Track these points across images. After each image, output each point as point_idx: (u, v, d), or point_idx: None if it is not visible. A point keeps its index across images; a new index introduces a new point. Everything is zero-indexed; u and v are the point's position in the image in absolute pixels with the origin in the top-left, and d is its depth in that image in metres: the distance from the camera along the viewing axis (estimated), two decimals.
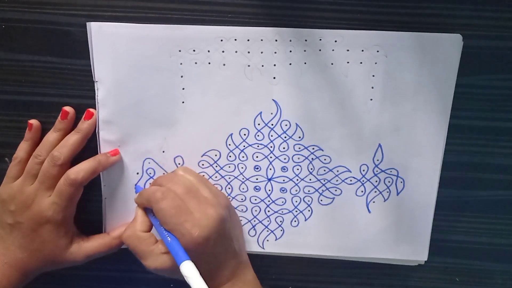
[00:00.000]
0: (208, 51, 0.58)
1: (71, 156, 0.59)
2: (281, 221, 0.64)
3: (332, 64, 0.58)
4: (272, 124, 0.61)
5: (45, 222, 0.58)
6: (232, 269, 0.57)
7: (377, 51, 0.58)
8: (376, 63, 0.58)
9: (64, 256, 0.60)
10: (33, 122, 0.61)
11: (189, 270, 0.49)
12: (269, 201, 0.63)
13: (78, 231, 0.62)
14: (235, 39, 0.58)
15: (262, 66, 0.59)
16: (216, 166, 0.62)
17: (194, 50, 0.58)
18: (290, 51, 0.58)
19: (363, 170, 0.62)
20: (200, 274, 0.50)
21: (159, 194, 0.55)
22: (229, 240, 0.57)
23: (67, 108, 0.60)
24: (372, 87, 0.59)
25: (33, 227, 0.58)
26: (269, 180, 0.63)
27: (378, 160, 0.61)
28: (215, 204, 0.56)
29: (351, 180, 0.62)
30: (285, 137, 0.61)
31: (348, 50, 0.58)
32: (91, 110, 0.60)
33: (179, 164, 0.62)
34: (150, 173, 0.62)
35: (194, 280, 0.49)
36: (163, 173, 0.62)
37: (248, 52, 0.58)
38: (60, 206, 0.58)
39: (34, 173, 0.59)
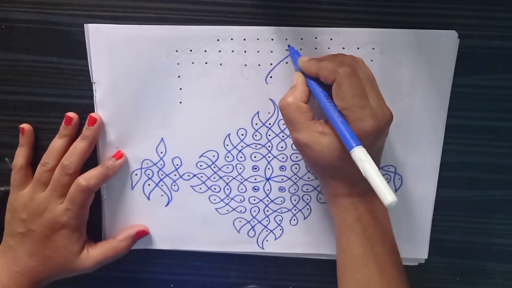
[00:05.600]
0: (205, 51, 0.59)
1: (81, 164, 0.60)
2: (280, 220, 0.64)
3: None
4: (269, 124, 0.61)
5: (59, 228, 0.58)
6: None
7: (373, 49, 0.58)
8: (372, 60, 0.58)
9: (75, 263, 0.60)
10: (25, 126, 0.61)
11: (364, 154, 0.47)
12: (268, 200, 0.63)
13: (87, 238, 0.62)
14: (232, 39, 0.58)
15: (259, 65, 0.59)
16: (214, 167, 0.62)
17: (191, 50, 0.59)
18: (287, 50, 0.59)
19: None
20: None
21: (348, 69, 0.50)
22: (381, 151, 0.55)
23: (70, 114, 0.60)
24: None
25: (46, 234, 0.58)
26: (268, 179, 0.63)
27: None
28: (387, 105, 0.52)
29: None
30: (283, 136, 0.61)
31: (343, 48, 0.58)
32: (94, 115, 0.60)
33: (177, 165, 0.62)
34: (148, 174, 0.62)
35: (370, 164, 0.46)
36: (162, 174, 0.62)
37: (245, 52, 0.59)
38: (74, 212, 0.58)
39: (44, 181, 0.59)
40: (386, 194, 0.44)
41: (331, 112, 0.50)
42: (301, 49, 0.58)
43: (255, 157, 0.62)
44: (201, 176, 0.63)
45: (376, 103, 0.50)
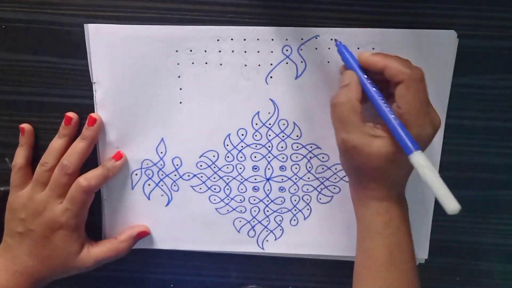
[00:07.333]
0: (205, 51, 0.59)
1: (80, 164, 0.60)
2: (280, 220, 0.64)
3: (328, 62, 0.59)
4: (269, 124, 0.61)
5: (58, 228, 0.58)
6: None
7: (373, 49, 0.58)
8: None
9: (74, 262, 0.60)
10: (25, 126, 0.61)
11: (424, 159, 0.46)
12: (268, 201, 0.63)
13: (87, 237, 0.62)
14: (232, 39, 0.58)
15: (259, 65, 0.59)
16: (214, 167, 0.62)
17: (191, 50, 0.59)
18: (287, 50, 0.59)
19: None
20: None
21: (420, 73, 0.50)
22: None
23: (70, 114, 0.60)
24: None
25: (45, 233, 0.58)
26: (268, 180, 0.63)
27: None
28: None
29: None
30: (283, 136, 0.61)
31: None
32: (93, 115, 0.60)
33: (177, 165, 0.62)
34: (149, 174, 0.62)
35: (431, 170, 0.46)
36: (162, 174, 0.62)
37: (245, 52, 0.59)
38: (73, 212, 0.58)
39: (43, 181, 0.59)
40: (449, 201, 0.44)
41: (388, 114, 0.49)
42: (301, 49, 0.58)
43: (255, 157, 0.62)
44: (201, 176, 0.63)
45: (433, 111, 0.51)
